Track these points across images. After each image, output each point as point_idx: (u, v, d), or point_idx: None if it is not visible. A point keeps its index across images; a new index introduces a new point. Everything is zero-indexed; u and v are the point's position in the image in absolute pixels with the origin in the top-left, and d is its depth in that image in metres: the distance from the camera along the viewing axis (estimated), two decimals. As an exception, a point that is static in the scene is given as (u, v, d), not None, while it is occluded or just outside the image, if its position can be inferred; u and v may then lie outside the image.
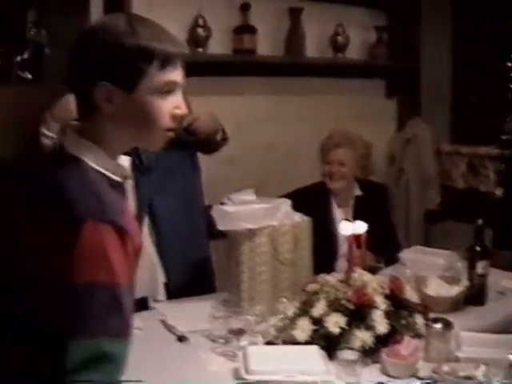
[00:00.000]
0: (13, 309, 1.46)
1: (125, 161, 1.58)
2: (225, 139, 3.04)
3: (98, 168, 1.47)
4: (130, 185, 1.64)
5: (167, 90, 1.48)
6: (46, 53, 3.29)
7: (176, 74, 1.49)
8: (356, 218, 3.17)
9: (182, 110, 1.52)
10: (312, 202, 3.24)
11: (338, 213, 3.54)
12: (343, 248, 3.32)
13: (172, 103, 1.50)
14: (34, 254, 1.40)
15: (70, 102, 2.68)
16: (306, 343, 2.23)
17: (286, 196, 3.09)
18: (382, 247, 3.04)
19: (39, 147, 2.70)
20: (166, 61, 1.45)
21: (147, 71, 1.44)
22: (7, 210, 1.54)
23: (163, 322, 2.59)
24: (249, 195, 2.77)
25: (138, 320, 2.55)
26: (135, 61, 1.43)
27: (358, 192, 3.58)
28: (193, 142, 2.86)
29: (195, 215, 3.00)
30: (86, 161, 1.46)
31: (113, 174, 1.50)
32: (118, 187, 1.52)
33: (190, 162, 3.02)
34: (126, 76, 1.43)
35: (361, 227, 2.50)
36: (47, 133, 2.70)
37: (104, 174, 1.48)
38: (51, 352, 1.33)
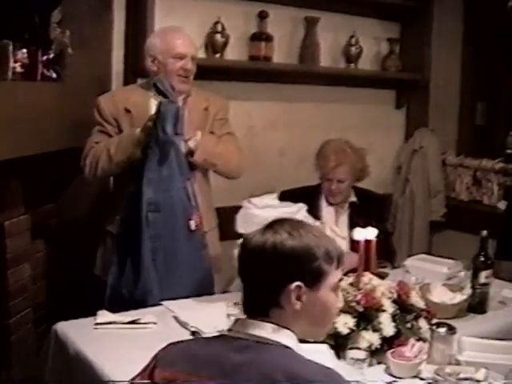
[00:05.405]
0: None
1: None
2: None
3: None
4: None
5: (338, 287, 1.73)
6: (69, 52, 3.38)
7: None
8: (350, 223, 3.46)
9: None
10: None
11: (330, 216, 3.65)
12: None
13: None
14: None
15: None
16: (315, 342, 2.30)
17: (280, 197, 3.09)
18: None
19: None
20: (339, 261, 1.68)
21: (329, 271, 1.66)
22: None
23: (176, 318, 2.64)
24: (271, 199, 2.84)
25: (152, 315, 2.64)
26: (323, 264, 1.64)
27: (353, 199, 3.70)
28: None
29: None
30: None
31: None
32: None
33: None
34: (315, 277, 1.64)
35: (372, 233, 2.58)
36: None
37: None
38: None
